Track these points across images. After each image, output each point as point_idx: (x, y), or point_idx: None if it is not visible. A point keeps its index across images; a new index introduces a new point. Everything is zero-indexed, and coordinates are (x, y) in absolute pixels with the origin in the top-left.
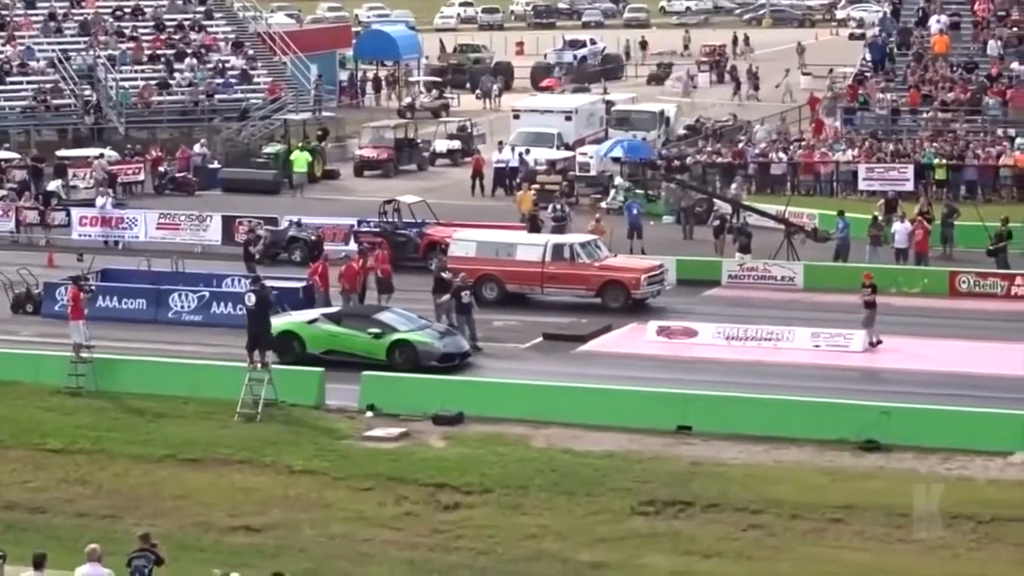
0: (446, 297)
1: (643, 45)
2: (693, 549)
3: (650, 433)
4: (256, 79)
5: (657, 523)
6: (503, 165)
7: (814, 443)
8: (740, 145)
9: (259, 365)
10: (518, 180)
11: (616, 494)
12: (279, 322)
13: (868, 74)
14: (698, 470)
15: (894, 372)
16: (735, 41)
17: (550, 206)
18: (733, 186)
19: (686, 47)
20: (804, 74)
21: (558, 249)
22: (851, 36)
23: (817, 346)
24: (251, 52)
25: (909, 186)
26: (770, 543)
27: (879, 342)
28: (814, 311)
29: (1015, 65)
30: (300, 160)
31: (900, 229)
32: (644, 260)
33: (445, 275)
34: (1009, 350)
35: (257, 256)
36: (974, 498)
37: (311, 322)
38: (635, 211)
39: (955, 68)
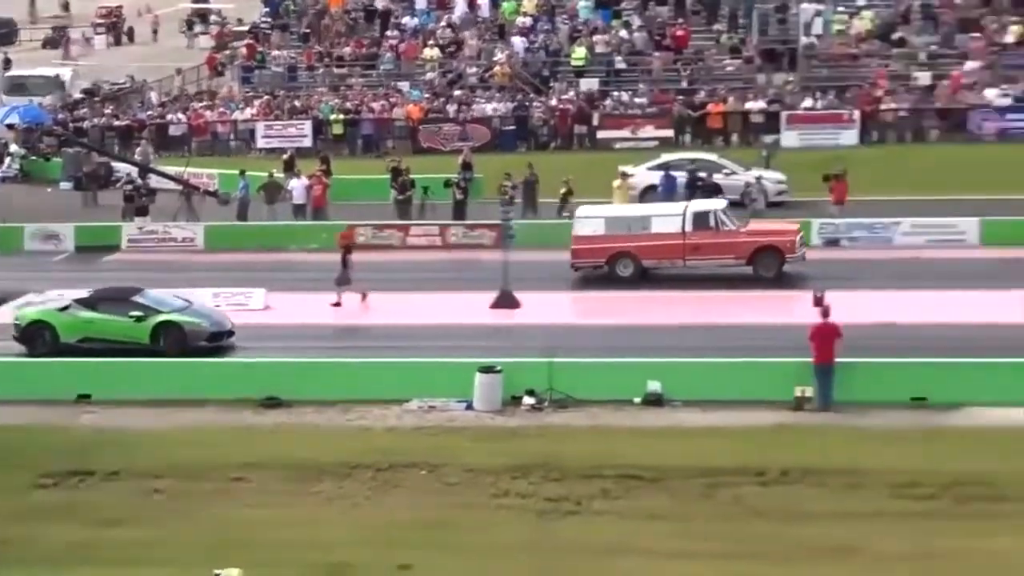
0: None
1: None
2: (96, 518)
3: (49, 404)
4: None
5: (58, 495)
6: None
7: (217, 403)
8: (135, 112)
9: None
10: None
11: (16, 470)
12: (28, 311)
13: (267, 30)
14: (100, 439)
15: (291, 327)
16: None
17: None
18: (138, 149)
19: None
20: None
21: None
22: None
23: (218, 306)
24: None
25: (308, 142)
26: (173, 507)
27: None
28: (215, 271)
29: (407, 19)
30: None
31: (297, 185)
32: None
33: None
34: (405, 300)
35: None
36: (372, 446)
37: (63, 309)
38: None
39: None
